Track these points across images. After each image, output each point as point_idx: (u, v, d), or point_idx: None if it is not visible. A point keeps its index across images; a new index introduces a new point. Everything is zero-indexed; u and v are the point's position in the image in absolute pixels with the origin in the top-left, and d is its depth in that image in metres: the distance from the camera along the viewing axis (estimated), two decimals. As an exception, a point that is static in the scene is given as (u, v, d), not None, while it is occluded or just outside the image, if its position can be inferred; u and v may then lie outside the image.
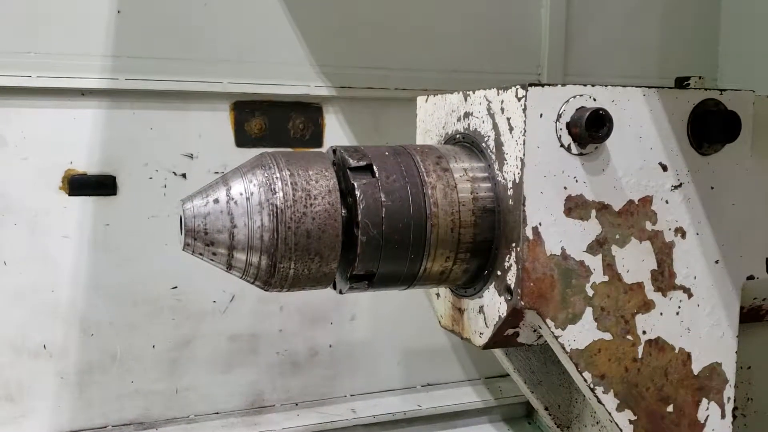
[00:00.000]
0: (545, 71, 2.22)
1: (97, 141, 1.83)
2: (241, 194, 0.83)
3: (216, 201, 0.84)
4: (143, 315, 1.92)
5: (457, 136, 0.99)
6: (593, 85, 0.87)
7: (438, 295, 1.09)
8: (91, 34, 1.80)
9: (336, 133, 2.06)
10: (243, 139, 1.97)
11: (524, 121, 0.84)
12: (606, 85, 0.87)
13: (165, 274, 1.92)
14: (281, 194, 0.82)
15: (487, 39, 2.19)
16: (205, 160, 1.93)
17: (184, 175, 1.91)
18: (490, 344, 0.96)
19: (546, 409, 1.20)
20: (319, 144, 2.03)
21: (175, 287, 1.94)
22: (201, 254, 0.87)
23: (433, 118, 1.07)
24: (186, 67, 1.87)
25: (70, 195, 1.82)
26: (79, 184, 1.82)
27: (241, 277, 0.90)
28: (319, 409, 2.12)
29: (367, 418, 2.14)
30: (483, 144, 0.93)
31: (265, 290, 0.90)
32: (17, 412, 1.86)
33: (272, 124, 2.00)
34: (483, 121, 0.93)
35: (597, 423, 1.17)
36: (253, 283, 0.90)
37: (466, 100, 0.97)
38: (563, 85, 0.86)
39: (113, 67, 1.81)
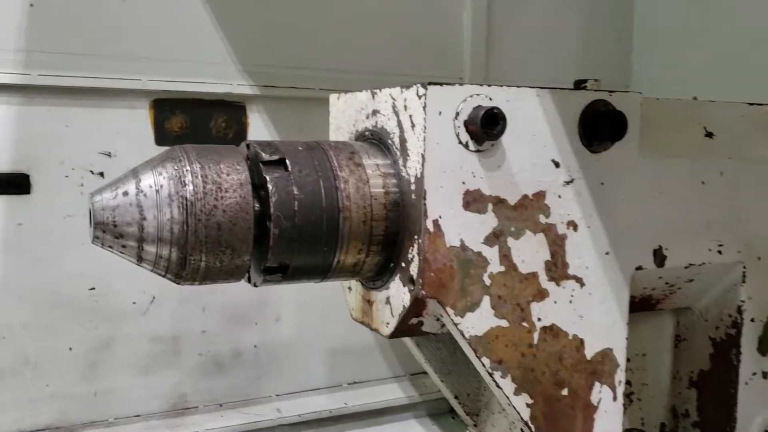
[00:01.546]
0: (467, 76, 2.28)
1: (8, 138, 1.78)
2: (151, 187, 0.84)
3: (125, 194, 0.84)
4: (59, 317, 1.87)
5: (366, 133, 1.03)
6: (489, 85, 0.91)
7: (350, 288, 1.12)
8: (2, 28, 1.76)
9: (260, 132, 2.06)
10: (163, 138, 1.94)
11: (424, 119, 0.88)
12: (501, 86, 0.92)
13: (82, 275, 1.88)
14: (191, 187, 0.84)
15: (411, 43, 2.23)
16: (124, 159, 1.89)
17: (101, 174, 1.88)
18: (396, 333, 1.00)
19: (456, 397, 1.25)
20: (241, 141, 2.03)
21: (93, 288, 1.90)
22: (111, 247, 0.88)
23: (345, 115, 1.10)
24: (103, 64, 1.84)
25: (-17, 194, 1.77)
26: (-8, 183, 1.78)
27: (152, 270, 0.90)
28: (244, 409, 2.12)
29: (293, 417, 2.15)
30: (389, 141, 0.96)
31: (177, 283, 0.91)
32: None
33: (194, 122, 1.98)
34: (389, 119, 0.96)
35: (503, 410, 1.22)
36: (164, 276, 0.90)
37: (373, 98, 1.01)
38: (461, 84, 0.91)
39: (26, 62, 1.77)
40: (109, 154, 1.89)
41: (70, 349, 1.90)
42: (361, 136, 1.04)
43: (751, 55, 2.32)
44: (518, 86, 0.95)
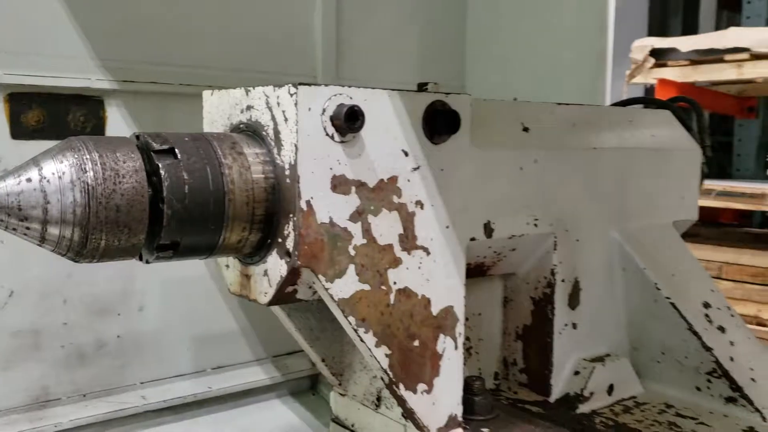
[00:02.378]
0: (320, 74, 2.45)
1: None
2: (53, 174, 0.93)
3: (29, 180, 0.92)
4: None
5: (241, 125, 1.16)
6: (350, 86, 1.09)
7: (227, 266, 1.24)
8: None
9: (118, 126, 2.09)
10: (19, 131, 1.94)
11: (296, 114, 1.04)
12: (359, 87, 1.09)
13: (-64, 270, 1.85)
14: (92, 173, 0.93)
15: (269, 41, 2.36)
16: (-22, 152, 1.88)
17: (-47, 168, 1.85)
18: (273, 301, 1.14)
19: (323, 360, 1.41)
20: (102, 135, 2.06)
21: (-50, 284, 1.87)
22: (15, 229, 0.95)
23: (219, 110, 1.23)
24: (-44, 56, 1.82)
25: None
26: None
27: (53, 250, 0.98)
28: (108, 398, 2.15)
29: (158, 404, 2.20)
30: (263, 132, 1.11)
31: (77, 261, 1.00)
32: None
33: (51, 116, 1.99)
34: (263, 113, 1.11)
35: (364, 368, 1.40)
36: (65, 255, 0.98)
37: (247, 94, 1.15)
38: (326, 85, 1.07)
39: None
40: (-38, 149, 1.86)
41: (-77, 346, 1.85)
42: (235, 129, 1.18)
43: (563, 60, 2.69)
44: (372, 87, 1.13)
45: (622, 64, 5.32)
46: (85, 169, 0.93)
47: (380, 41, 2.65)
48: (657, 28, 6.75)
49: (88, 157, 0.94)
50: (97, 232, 0.94)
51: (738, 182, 5.45)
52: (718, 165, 7.95)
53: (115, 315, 2.14)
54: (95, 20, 2.02)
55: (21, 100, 1.93)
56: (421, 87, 1.36)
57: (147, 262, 1.05)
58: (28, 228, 0.94)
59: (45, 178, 0.93)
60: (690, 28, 7.28)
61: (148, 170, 0.99)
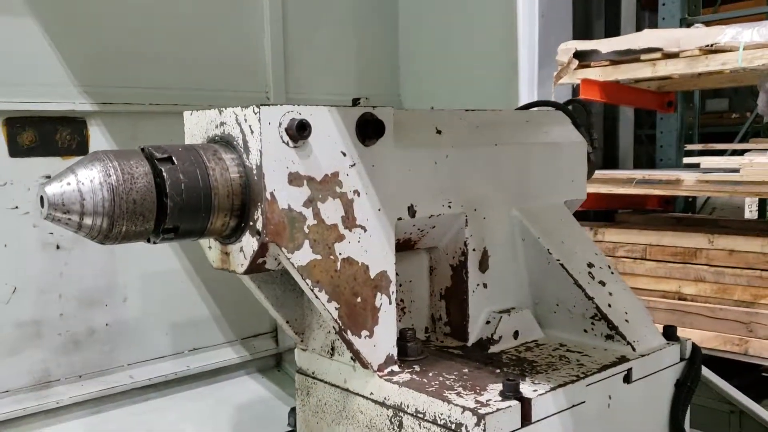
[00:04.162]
0: (271, 90, 2.81)
1: None
2: (86, 178, 1.26)
3: (69, 183, 1.26)
4: (-70, 308, 2.12)
5: (216, 138, 1.51)
6: (298, 104, 1.45)
7: (210, 247, 1.59)
8: None
9: (99, 142, 2.43)
10: (16, 150, 2.26)
11: (260, 128, 1.39)
12: (307, 104, 1.46)
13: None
14: (114, 177, 1.27)
15: (225, 63, 2.72)
16: (-18, 169, 2.19)
17: (-38, 182, 2.15)
18: (248, 271, 1.50)
19: (287, 322, 1.76)
20: (85, 152, 2.39)
21: (-39, 282, 2.17)
22: (59, 221, 1.28)
23: (197, 126, 1.57)
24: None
25: None
26: None
27: (86, 235, 1.31)
28: (101, 378, 2.47)
29: (144, 381, 2.54)
30: (235, 142, 1.46)
31: (104, 243, 1.33)
32: None
33: (42, 136, 2.31)
34: (233, 128, 1.46)
35: (320, 327, 1.76)
36: (95, 239, 1.32)
37: (220, 113, 1.50)
38: (281, 104, 1.43)
39: None
40: (-33, 165, 2.16)
41: (-59, 337, 2.15)
42: (212, 140, 1.52)
43: (481, 71, 3.09)
44: (316, 102, 1.49)
45: (550, 66, 5.81)
46: (109, 173, 1.27)
47: (323, 59, 3.01)
48: (582, 31, 7.25)
49: (110, 164, 1.28)
50: (120, 220, 1.29)
51: (657, 171, 5.96)
52: (646, 156, 8.52)
53: (102, 306, 2.47)
54: (76, 52, 2.35)
55: (16, 123, 2.25)
56: (355, 102, 1.74)
57: (154, 242, 1.40)
58: (69, 219, 1.28)
59: (80, 181, 1.26)
60: (613, 29, 7.82)
61: (153, 173, 1.33)
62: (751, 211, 7.20)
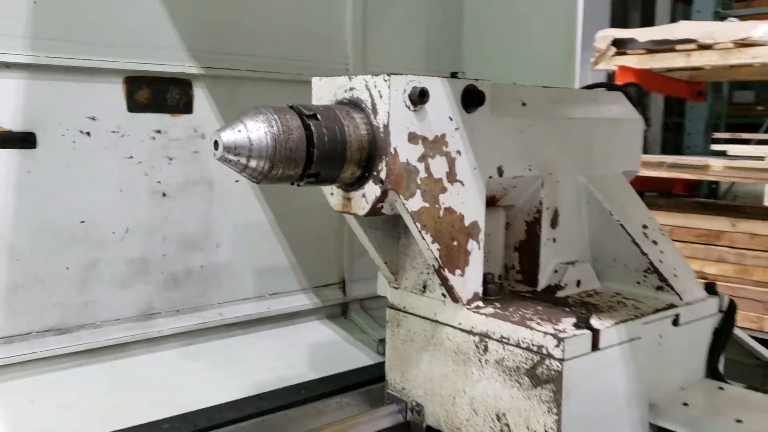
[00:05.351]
0: (351, 62, 3.07)
1: (20, 105, 2.30)
2: (254, 128, 1.54)
3: (240, 131, 1.54)
4: (59, 244, 2.43)
5: (344, 100, 1.79)
6: (419, 76, 1.72)
7: (332, 193, 1.88)
8: (14, 19, 2.26)
9: (202, 103, 2.71)
10: (133, 106, 2.55)
11: (389, 93, 1.67)
12: (423, 75, 1.73)
13: (75, 211, 2.45)
14: (276, 128, 1.55)
15: (309, 36, 2.98)
16: (104, 122, 2.49)
17: (88, 133, 2.45)
18: (368, 214, 1.78)
19: (385, 263, 2.05)
20: (190, 110, 2.68)
21: (83, 221, 2.47)
22: (229, 161, 1.56)
23: (326, 90, 1.84)
24: (91, 49, 2.41)
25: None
26: (5, 139, 2.28)
27: (248, 176, 1.59)
28: (195, 314, 2.78)
29: (231, 319, 2.85)
30: (363, 105, 1.73)
31: (260, 183, 1.61)
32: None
33: (155, 94, 2.60)
34: (362, 92, 1.73)
35: (413, 268, 2.05)
36: (254, 179, 1.60)
37: (350, 80, 1.77)
38: (405, 75, 1.70)
39: (33, 45, 2.29)
40: (93, 118, 2.45)
41: (67, 268, 2.45)
42: (339, 103, 1.80)
43: (540, 50, 3.33)
44: (430, 76, 1.77)
45: (587, 52, 6.07)
46: (272, 125, 1.55)
47: (395, 34, 3.27)
48: (619, 20, 7.45)
49: (273, 117, 1.56)
50: (279, 164, 1.57)
51: (686, 156, 6.21)
52: (673, 143, 8.76)
53: (199, 250, 2.76)
54: (186, 21, 2.62)
55: (134, 82, 2.53)
56: (453, 74, 2.01)
57: (298, 185, 1.68)
58: (238, 161, 1.56)
59: (249, 130, 1.54)
60: (648, 19, 8.01)
61: (303, 127, 1.61)
62: (772, 201, 7.41)
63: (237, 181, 2.83)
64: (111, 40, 2.44)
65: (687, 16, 7.07)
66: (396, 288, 2.11)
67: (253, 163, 1.57)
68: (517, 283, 2.17)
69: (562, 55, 3.26)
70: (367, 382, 2.45)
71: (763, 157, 5.19)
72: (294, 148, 1.59)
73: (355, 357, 2.89)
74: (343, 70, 3.06)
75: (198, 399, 2.30)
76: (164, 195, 2.63)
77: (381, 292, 2.24)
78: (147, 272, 2.63)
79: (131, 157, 2.54)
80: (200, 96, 2.69)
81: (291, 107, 1.66)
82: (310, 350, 2.91)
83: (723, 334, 2.15)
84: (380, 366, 2.45)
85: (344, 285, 3.18)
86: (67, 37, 2.34)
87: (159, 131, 2.59)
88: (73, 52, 2.35)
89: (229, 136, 1.55)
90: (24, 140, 2.30)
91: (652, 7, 8.03)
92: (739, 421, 1.86)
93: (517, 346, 1.78)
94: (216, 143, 1.56)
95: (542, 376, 1.72)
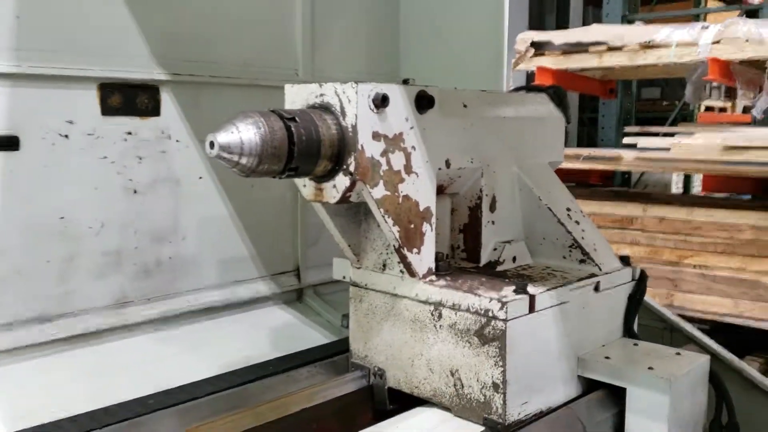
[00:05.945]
0: (300, 69, 3.34)
1: (4, 110, 2.47)
2: (245, 129, 1.80)
3: (233, 133, 1.80)
4: (40, 239, 2.60)
5: (315, 105, 2.07)
6: (380, 83, 2.02)
7: (305, 185, 2.15)
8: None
9: (168, 106, 2.93)
10: (106, 110, 2.74)
11: (357, 98, 1.96)
12: (381, 83, 2.03)
13: (55, 208, 2.62)
14: (263, 129, 1.81)
15: (262, 44, 3.24)
16: (81, 125, 2.67)
17: (66, 136, 2.63)
18: (339, 202, 2.05)
19: (349, 245, 2.34)
20: (158, 113, 2.89)
21: (62, 217, 2.65)
22: (224, 159, 1.81)
23: (298, 96, 2.11)
24: (68, 58, 2.60)
25: (-16, 150, 2.43)
26: (-10, 142, 2.44)
27: (238, 171, 1.85)
28: (165, 301, 2.97)
29: (198, 306, 3.07)
30: (333, 108, 2.02)
31: (248, 176, 1.87)
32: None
33: (125, 99, 2.79)
34: (332, 98, 2.01)
35: (373, 249, 2.34)
36: (243, 173, 1.85)
37: (320, 86, 2.05)
38: (369, 82, 2.00)
39: (17, 56, 2.47)
40: (71, 122, 2.64)
41: (48, 261, 2.63)
42: (311, 107, 2.08)
43: (471, 54, 3.68)
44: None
45: (508, 53, 6.51)
46: (259, 126, 1.82)
47: (340, 43, 3.56)
48: (536, 23, 7.97)
49: (260, 120, 1.83)
50: (265, 161, 1.84)
51: (600, 149, 6.74)
52: (588, 137, 9.38)
53: (167, 242, 2.98)
54: (154, 31, 2.83)
55: (107, 88, 2.73)
56: (405, 81, 2.32)
57: (280, 178, 1.95)
58: (231, 158, 1.81)
59: (240, 132, 1.81)
60: (562, 22, 8.59)
61: (285, 128, 1.89)
62: (678, 188, 8.11)
63: (201, 177, 3.06)
64: (86, 50, 2.63)
65: (598, 20, 7.63)
66: (358, 268, 2.40)
67: (243, 160, 1.84)
68: (462, 261, 2.50)
69: (492, 59, 3.62)
70: (330, 356, 2.73)
71: (668, 148, 5.75)
72: (278, 147, 1.86)
73: (313, 337, 3.17)
74: (293, 74, 3.32)
75: (175, 378, 2.51)
76: (135, 192, 2.83)
77: (337, 276, 2.53)
78: (120, 264, 2.83)
79: (105, 157, 2.73)
80: (167, 100, 2.90)
81: (273, 111, 1.93)
82: (272, 332, 3.16)
83: (636, 299, 2.55)
84: (340, 342, 2.75)
85: (299, 272, 3.45)
86: (46, 47, 2.52)
87: (130, 133, 2.79)
88: (51, 61, 2.53)
89: (223, 138, 1.81)
90: (8, 143, 2.47)
91: (566, 11, 8.61)
92: (651, 368, 2.25)
93: (467, 311, 2.10)
94: (212, 143, 1.81)
95: (489, 335, 2.06)
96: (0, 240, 2.49)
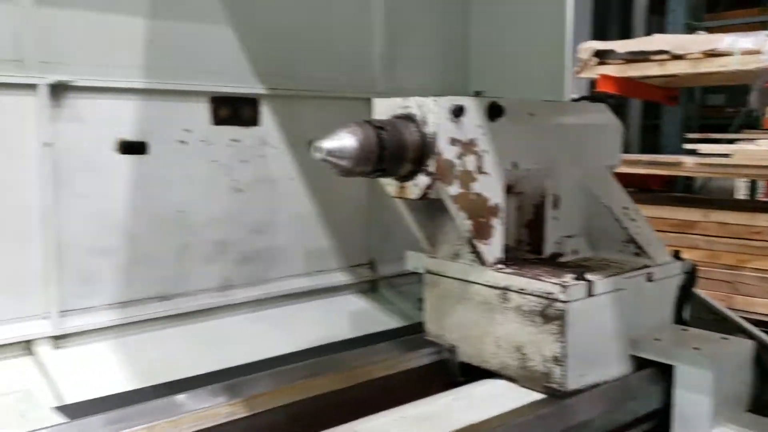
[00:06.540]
0: (377, 83, 3.71)
1: (137, 120, 2.92)
2: (346, 137, 2.17)
3: (337, 140, 2.16)
4: (162, 228, 3.04)
5: (400, 115, 2.42)
6: (458, 96, 2.36)
7: (389, 184, 2.51)
8: (133, 56, 2.89)
9: (267, 118, 3.34)
10: (217, 120, 3.17)
11: (437, 110, 2.30)
12: (457, 96, 2.37)
13: (175, 203, 3.06)
14: (360, 137, 2.18)
15: (343, 61, 3.62)
16: (196, 133, 3.11)
17: (184, 142, 3.07)
18: (419, 198, 2.40)
19: (426, 237, 2.69)
20: (258, 123, 3.30)
21: (182, 211, 3.09)
22: (327, 161, 2.18)
23: (384, 107, 2.47)
24: (186, 76, 3.04)
25: (121, 153, 2.89)
26: (126, 147, 2.90)
27: (338, 171, 2.21)
28: (261, 286, 3.38)
29: (287, 291, 3.46)
30: (415, 118, 2.36)
31: (346, 176, 2.24)
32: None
33: (232, 110, 3.22)
34: (415, 109, 2.36)
35: (446, 241, 2.68)
36: (342, 173, 2.21)
37: (404, 100, 2.40)
38: (448, 96, 2.34)
39: (147, 74, 2.92)
40: (188, 130, 3.08)
41: (168, 248, 3.07)
42: (397, 117, 2.43)
43: (536, 64, 3.95)
44: (462, 96, 2.40)
45: (570, 63, 6.73)
46: (357, 134, 2.18)
47: (414, 59, 3.92)
48: (598, 33, 8.14)
49: (357, 130, 2.20)
50: (361, 164, 2.20)
51: (662, 155, 6.90)
52: (650, 143, 9.46)
53: (264, 234, 3.39)
54: (255, 51, 3.25)
55: (217, 101, 3.16)
56: (477, 93, 2.66)
57: (370, 177, 2.31)
58: (333, 161, 2.18)
59: (342, 139, 2.17)
60: (625, 32, 8.71)
61: (376, 135, 2.24)
62: (742, 194, 8.14)
63: (291, 179, 3.46)
64: (201, 69, 3.06)
65: (661, 28, 7.77)
66: (433, 257, 2.74)
67: (343, 163, 2.20)
68: (526, 253, 2.81)
69: (554, 69, 3.89)
70: (404, 335, 3.07)
71: (730, 154, 5.88)
72: (371, 151, 2.22)
73: (387, 322, 3.52)
74: (371, 87, 3.68)
75: (268, 350, 2.90)
76: (239, 190, 3.25)
77: (410, 267, 2.87)
78: (225, 252, 3.25)
79: (215, 160, 3.16)
80: (265, 111, 3.32)
81: (367, 122, 2.30)
82: (351, 316, 3.53)
83: (686, 289, 2.81)
84: (411, 327, 3.08)
85: (372, 265, 3.81)
86: (170, 67, 2.97)
87: (235, 140, 3.21)
88: (174, 78, 2.98)
89: (329, 144, 2.18)
90: (139, 148, 2.92)
91: (629, 20, 8.75)
92: (696, 348, 2.51)
93: (532, 294, 2.41)
94: (320, 149, 2.19)
95: (551, 315, 2.37)
96: (133, 229, 2.94)
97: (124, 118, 2.88)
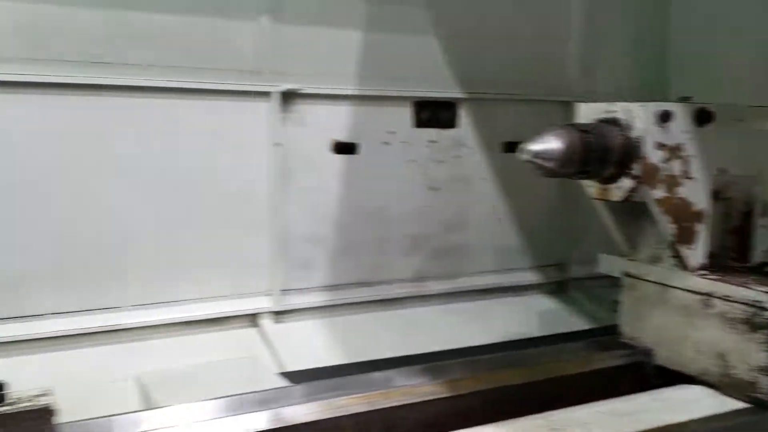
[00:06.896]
0: (572, 85, 3.74)
1: (349, 124, 3.20)
2: (552, 140, 2.28)
3: (543, 143, 2.28)
4: (366, 221, 3.32)
5: (604, 119, 2.47)
6: (667, 101, 2.38)
7: (591, 186, 2.57)
8: (348, 63, 3.17)
9: (464, 121, 3.51)
10: (418, 123, 3.39)
11: (644, 115, 2.34)
12: (663, 102, 2.38)
13: (377, 197, 3.33)
14: (565, 140, 2.28)
15: (540, 65, 3.70)
16: (399, 135, 3.34)
17: (387, 143, 3.32)
18: (622, 200, 2.46)
19: (625, 239, 2.72)
20: (456, 125, 3.48)
21: (381, 206, 3.34)
22: (532, 163, 2.30)
23: (589, 112, 2.54)
24: (392, 83, 3.28)
25: (335, 153, 3.20)
26: (340, 148, 3.20)
27: (541, 172, 2.32)
28: (454, 280, 3.57)
29: (477, 286, 3.61)
30: (620, 123, 2.42)
31: (548, 177, 2.34)
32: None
33: (432, 113, 3.42)
34: (621, 114, 2.41)
35: (646, 245, 2.69)
36: (545, 174, 2.32)
37: (610, 105, 2.46)
38: (652, 101, 2.37)
39: (359, 81, 3.20)
40: (392, 132, 3.32)
41: (370, 238, 3.34)
42: (601, 121, 2.50)
43: (742, 70, 3.76)
44: (669, 102, 2.41)
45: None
46: (562, 138, 2.28)
47: (608, 61, 3.90)
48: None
49: (562, 133, 2.29)
50: (565, 165, 2.30)
51: None
52: None
53: (456, 231, 3.56)
54: (454, 61, 3.42)
55: (418, 105, 3.38)
56: (682, 99, 2.64)
57: (573, 179, 2.40)
58: (539, 163, 2.29)
59: (548, 142, 2.28)
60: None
61: (581, 139, 2.33)
62: None
63: (484, 179, 3.61)
64: (405, 77, 3.30)
65: None
66: (631, 260, 2.76)
67: (548, 164, 2.31)
68: (731, 260, 2.74)
69: (763, 73, 3.69)
70: (595, 336, 3.11)
71: None
72: (576, 154, 2.31)
73: (577, 323, 3.56)
74: (566, 91, 3.72)
75: (458, 341, 3.07)
76: (434, 189, 3.45)
77: (603, 270, 2.90)
78: (420, 246, 3.47)
79: (414, 160, 3.39)
80: (463, 114, 3.49)
81: (571, 125, 2.39)
82: (539, 315, 3.62)
83: None
84: (602, 329, 3.09)
85: (561, 266, 3.85)
86: (378, 75, 3.23)
87: (433, 141, 3.42)
88: (382, 85, 3.24)
89: (536, 146, 2.30)
90: (351, 149, 3.21)
91: None
92: None
93: (738, 302, 2.38)
94: (527, 151, 2.31)
95: (759, 324, 2.32)
96: (341, 220, 3.24)
97: (338, 121, 3.18)
